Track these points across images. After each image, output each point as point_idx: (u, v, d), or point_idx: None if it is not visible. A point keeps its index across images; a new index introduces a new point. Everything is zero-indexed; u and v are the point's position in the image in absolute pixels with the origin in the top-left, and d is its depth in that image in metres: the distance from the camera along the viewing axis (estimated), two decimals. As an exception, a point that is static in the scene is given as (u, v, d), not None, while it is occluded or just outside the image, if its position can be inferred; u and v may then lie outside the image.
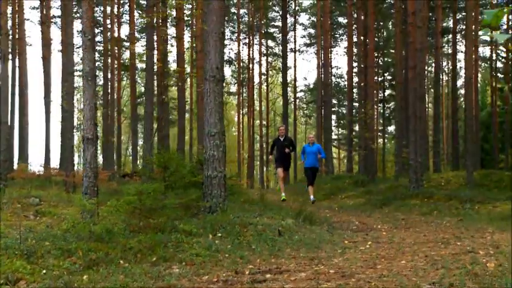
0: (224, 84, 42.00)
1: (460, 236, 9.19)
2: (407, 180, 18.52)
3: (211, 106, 9.96)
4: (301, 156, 16.32)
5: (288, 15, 44.41)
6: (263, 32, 44.47)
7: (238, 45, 44.15)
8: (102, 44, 35.97)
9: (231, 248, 7.20)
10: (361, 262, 6.62)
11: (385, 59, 40.14)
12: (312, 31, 47.53)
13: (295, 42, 45.28)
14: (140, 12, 35.83)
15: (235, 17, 44.78)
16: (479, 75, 46.04)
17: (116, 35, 35.15)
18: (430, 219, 12.80)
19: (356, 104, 35.69)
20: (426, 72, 36.64)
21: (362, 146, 26.63)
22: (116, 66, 34.75)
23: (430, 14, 31.24)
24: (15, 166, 26.23)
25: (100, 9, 35.93)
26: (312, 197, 15.76)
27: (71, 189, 16.11)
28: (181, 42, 25.57)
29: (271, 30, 46.62)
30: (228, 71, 48.49)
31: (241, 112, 45.97)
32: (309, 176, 15.81)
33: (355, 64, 31.88)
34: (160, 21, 23.87)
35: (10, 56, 27.16)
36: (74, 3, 33.65)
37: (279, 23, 43.65)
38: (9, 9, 29.31)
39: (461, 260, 6.53)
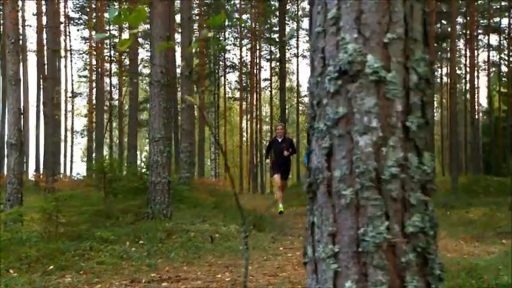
0: (228, 90, 41.97)
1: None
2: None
3: (156, 111, 9.85)
4: (306, 161, 14.44)
5: (290, 20, 44.37)
6: (265, 37, 44.42)
7: (241, 50, 44.14)
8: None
9: (146, 255, 7.06)
10: (271, 269, 6.47)
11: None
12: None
13: (297, 47, 45.10)
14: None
15: (238, 23, 44.75)
16: (485, 79, 45.61)
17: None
18: (396, 225, 12.55)
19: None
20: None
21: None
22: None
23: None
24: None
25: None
26: None
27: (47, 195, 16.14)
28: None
29: (275, 35, 46.45)
30: (233, 76, 48.63)
31: (244, 117, 45.89)
32: None
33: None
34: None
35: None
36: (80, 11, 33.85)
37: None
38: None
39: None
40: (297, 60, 45.31)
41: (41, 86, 28.22)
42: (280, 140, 13.93)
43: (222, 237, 8.80)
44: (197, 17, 33.93)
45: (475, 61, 35.99)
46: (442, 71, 44.03)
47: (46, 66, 19.94)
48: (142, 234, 7.93)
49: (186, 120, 15.53)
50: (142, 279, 5.95)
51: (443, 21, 37.94)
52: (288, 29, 41.58)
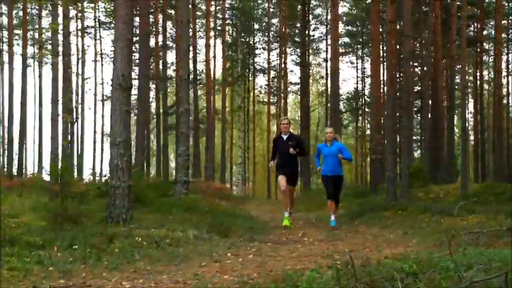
0: (258, 93, 41.85)
1: (361, 249, 8.71)
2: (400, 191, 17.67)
3: (117, 114, 9.76)
4: (316, 161, 12.85)
5: (319, 25, 44.16)
6: (294, 41, 44.34)
7: (268, 54, 44.18)
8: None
9: (70, 261, 6.90)
10: (189, 276, 6.25)
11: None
12: (346, 40, 47.02)
13: (326, 51, 44.69)
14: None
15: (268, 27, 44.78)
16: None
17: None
18: (381, 233, 12.14)
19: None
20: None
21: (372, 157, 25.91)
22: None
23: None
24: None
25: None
26: (332, 218, 12.47)
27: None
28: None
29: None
30: (262, 80, 48.63)
31: (272, 122, 45.87)
32: (330, 189, 12.51)
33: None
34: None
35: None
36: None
37: (311, 32, 43.22)
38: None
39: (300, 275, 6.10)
40: (326, 65, 44.87)
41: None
42: (285, 137, 12.13)
43: (173, 243, 8.63)
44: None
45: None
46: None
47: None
48: (81, 239, 7.80)
49: (184, 125, 15.46)
50: (47, 286, 5.80)
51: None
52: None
